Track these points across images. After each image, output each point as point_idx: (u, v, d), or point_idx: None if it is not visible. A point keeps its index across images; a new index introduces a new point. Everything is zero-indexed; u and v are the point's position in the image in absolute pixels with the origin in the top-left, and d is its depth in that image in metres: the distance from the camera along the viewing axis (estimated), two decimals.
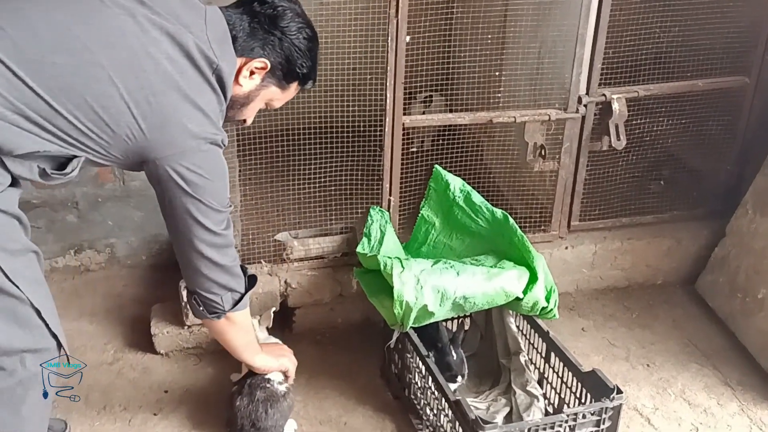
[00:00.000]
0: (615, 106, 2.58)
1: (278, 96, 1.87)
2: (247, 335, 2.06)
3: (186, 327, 2.50)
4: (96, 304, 2.75)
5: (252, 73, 1.77)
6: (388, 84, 2.36)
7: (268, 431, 2.10)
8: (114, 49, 1.56)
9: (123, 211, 2.83)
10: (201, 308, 1.91)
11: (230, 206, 1.81)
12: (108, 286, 2.84)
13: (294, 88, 1.88)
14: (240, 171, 2.66)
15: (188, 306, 2.05)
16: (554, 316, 2.32)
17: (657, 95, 2.70)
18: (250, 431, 2.09)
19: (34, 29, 1.50)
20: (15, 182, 1.61)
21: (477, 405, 2.30)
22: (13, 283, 1.57)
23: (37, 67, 1.49)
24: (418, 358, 2.20)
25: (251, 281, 1.98)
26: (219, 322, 1.94)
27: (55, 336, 1.69)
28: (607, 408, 1.95)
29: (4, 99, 1.48)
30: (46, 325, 1.66)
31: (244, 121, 1.91)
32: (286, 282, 2.56)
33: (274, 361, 2.16)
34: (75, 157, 1.61)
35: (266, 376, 2.15)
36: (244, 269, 1.96)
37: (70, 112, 1.54)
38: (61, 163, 1.62)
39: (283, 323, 2.66)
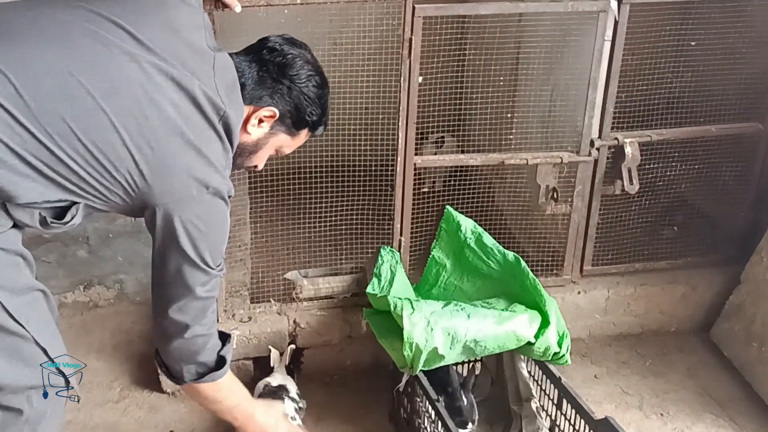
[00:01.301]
0: (628, 149, 2.58)
1: (288, 143, 1.85)
2: (222, 403, 1.92)
3: None
4: (104, 341, 2.76)
5: (261, 121, 1.76)
6: (400, 124, 2.38)
7: None
8: (117, 95, 1.54)
9: (133, 246, 2.84)
10: (162, 369, 1.83)
11: (222, 269, 1.73)
12: (116, 322, 2.84)
13: (304, 134, 1.86)
14: (251, 209, 2.68)
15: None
16: (566, 361, 2.29)
17: (670, 140, 2.70)
18: None
19: (37, 75, 1.49)
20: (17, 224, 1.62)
21: None
22: (17, 321, 1.55)
23: (39, 113, 1.48)
24: (427, 403, 2.17)
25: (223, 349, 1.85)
26: (186, 386, 1.85)
27: (62, 374, 1.66)
28: None
29: (5, 146, 1.46)
30: (53, 363, 1.64)
31: (256, 166, 1.89)
32: (295, 321, 2.56)
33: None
34: (74, 203, 1.60)
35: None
36: (223, 336, 1.85)
37: (71, 158, 1.52)
38: (61, 210, 1.60)
39: (291, 365, 2.63)
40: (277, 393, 2.33)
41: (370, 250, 2.61)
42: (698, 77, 2.68)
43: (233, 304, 2.55)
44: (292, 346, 2.47)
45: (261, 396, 2.32)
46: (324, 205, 2.60)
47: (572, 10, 2.38)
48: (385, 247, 2.55)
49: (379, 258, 2.51)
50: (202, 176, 1.62)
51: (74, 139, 1.51)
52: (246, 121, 1.74)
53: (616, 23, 2.40)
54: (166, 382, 2.49)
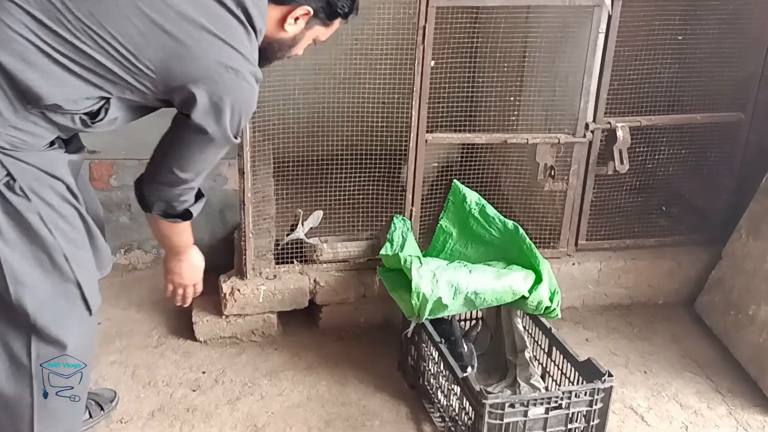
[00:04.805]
0: (619, 133, 2.83)
1: (323, 33, 1.98)
2: (169, 239, 2.07)
3: (224, 317, 2.77)
4: (143, 297, 3.03)
5: (297, 19, 1.88)
6: (413, 104, 2.63)
7: None
8: None
9: None
10: (137, 193, 1.97)
11: (238, 139, 1.83)
12: (154, 282, 3.11)
13: (338, 23, 1.98)
14: (275, 185, 2.96)
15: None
16: (557, 315, 2.56)
17: (658, 126, 2.94)
18: None
19: None
20: (66, 144, 1.82)
21: None
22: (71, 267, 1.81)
23: (61, 9, 1.62)
24: (432, 347, 2.44)
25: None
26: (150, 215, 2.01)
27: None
28: (599, 389, 2.17)
29: (35, 46, 1.61)
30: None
31: (297, 54, 2.02)
32: (315, 281, 2.82)
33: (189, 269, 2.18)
34: (107, 100, 1.73)
35: None
36: (199, 194, 1.99)
37: (93, 49, 1.65)
38: (97, 111, 1.74)
39: (311, 320, 2.92)
40: None
41: (384, 219, 2.87)
42: (685, 69, 2.92)
43: (260, 265, 2.81)
44: (321, 211, 2.81)
45: None
46: (343, 177, 2.84)
47: (570, 4, 2.63)
48: (398, 216, 2.81)
49: (392, 225, 2.77)
50: (225, 59, 1.72)
51: (93, 32, 1.64)
52: (283, 20, 1.87)
53: (609, 17, 2.65)
54: (199, 331, 2.78)
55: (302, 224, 2.85)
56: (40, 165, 1.74)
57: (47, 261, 1.78)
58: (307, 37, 1.97)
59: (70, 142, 1.90)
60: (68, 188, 1.82)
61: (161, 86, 1.73)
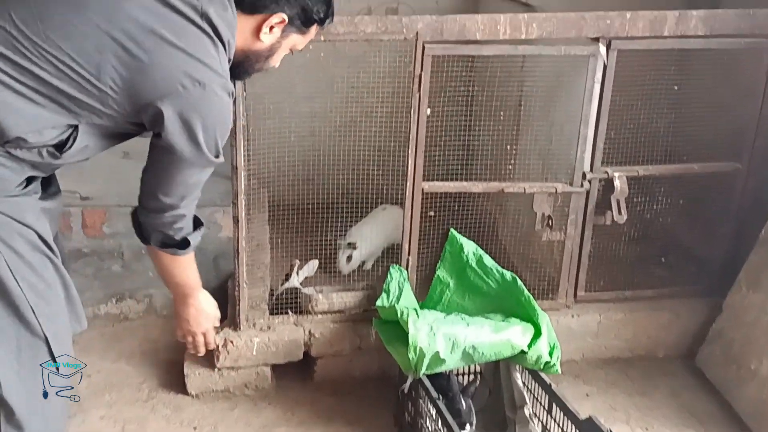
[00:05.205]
0: (617, 182, 2.80)
1: (300, 41, 1.94)
2: (174, 278, 2.05)
3: (216, 369, 2.70)
4: (133, 348, 2.97)
5: (272, 28, 1.84)
6: (409, 152, 2.61)
7: None
8: (86, 7, 1.62)
9: None
10: (134, 225, 1.95)
11: (219, 158, 1.78)
12: (145, 333, 3.06)
13: (314, 30, 1.94)
14: (270, 232, 2.92)
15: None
16: (556, 370, 2.50)
17: (656, 175, 2.92)
18: None
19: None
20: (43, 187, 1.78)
21: None
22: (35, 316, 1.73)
23: (19, 38, 1.59)
24: (429, 403, 2.38)
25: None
26: (150, 247, 1.96)
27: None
28: None
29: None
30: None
31: (273, 66, 1.98)
32: (310, 332, 2.77)
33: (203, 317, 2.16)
34: (74, 128, 1.68)
35: None
36: (197, 222, 1.96)
37: (53, 76, 1.61)
38: (65, 140, 1.69)
39: (305, 372, 2.85)
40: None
41: (380, 269, 2.84)
42: (681, 118, 2.91)
43: (254, 316, 2.76)
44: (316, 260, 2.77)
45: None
46: (339, 225, 2.84)
47: (565, 53, 2.62)
48: (394, 265, 2.77)
49: (389, 275, 2.72)
50: (190, 71, 1.66)
51: (51, 55, 1.60)
52: (258, 30, 1.82)
53: (605, 66, 2.65)
54: (191, 384, 2.71)
55: (297, 274, 2.81)
56: (8, 211, 1.69)
57: (13, 313, 1.72)
58: (284, 46, 1.92)
59: (46, 186, 1.84)
60: (39, 236, 1.76)
61: (128, 106, 1.67)
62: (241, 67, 1.89)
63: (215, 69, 1.70)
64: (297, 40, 1.94)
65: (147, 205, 1.85)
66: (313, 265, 2.85)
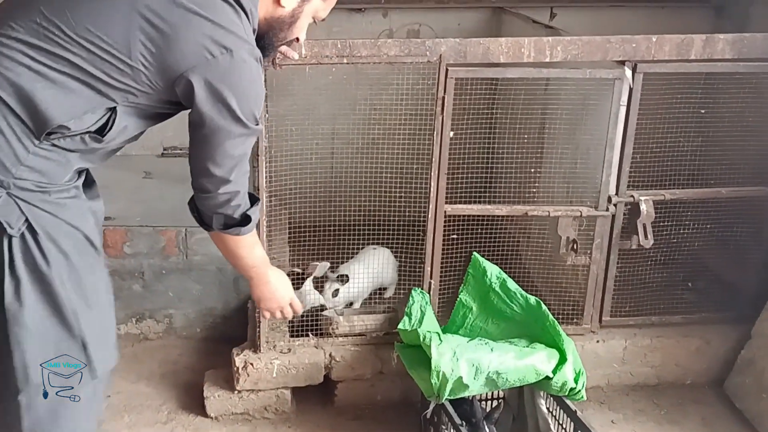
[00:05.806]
0: (643, 207, 2.76)
1: (321, 7, 1.93)
2: (243, 260, 2.03)
3: (236, 392, 2.68)
4: (153, 369, 2.97)
5: None
6: (432, 174, 2.59)
7: None
8: None
9: (184, 283, 3.07)
10: (194, 214, 1.93)
11: (258, 125, 1.78)
12: (164, 354, 3.05)
13: None
14: (290, 253, 2.91)
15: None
16: (582, 397, 2.45)
17: (683, 199, 2.88)
18: None
19: None
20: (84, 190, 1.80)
21: None
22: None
23: (47, 25, 1.63)
24: (452, 429, 2.34)
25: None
26: (214, 234, 1.95)
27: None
28: None
29: (32, 71, 1.62)
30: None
31: (297, 39, 1.97)
32: (330, 355, 2.74)
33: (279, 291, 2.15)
34: (112, 110, 1.70)
35: None
36: (253, 198, 1.94)
37: (85, 60, 1.64)
38: (104, 124, 1.72)
39: (326, 396, 2.82)
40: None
41: (402, 292, 2.81)
42: (708, 141, 2.88)
43: (274, 338, 2.74)
44: (327, 263, 2.75)
45: None
46: (360, 247, 2.81)
47: (590, 77, 2.60)
48: (416, 288, 2.74)
49: (411, 299, 2.69)
50: (218, 39, 1.67)
51: (82, 38, 1.63)
52: None
53: (630, 90, 2.62)
54: (210, 406, 2.69)
55: (312, 278, 2.76)
56: (58, 213, 1.71)
57: (56, 314, 1.73)
58: (306, 12, 1.91)
59: (87, 188, 1.86)
60: (86, 237, 1.78)
61: (161, 82, 1.69)
62: (266, 38, 1.88)
63: (240, 35, 1.71)
64: (318, 6, 1.92)
65: (200, 187, 1.84)
66: (324, 266, 2.79)
